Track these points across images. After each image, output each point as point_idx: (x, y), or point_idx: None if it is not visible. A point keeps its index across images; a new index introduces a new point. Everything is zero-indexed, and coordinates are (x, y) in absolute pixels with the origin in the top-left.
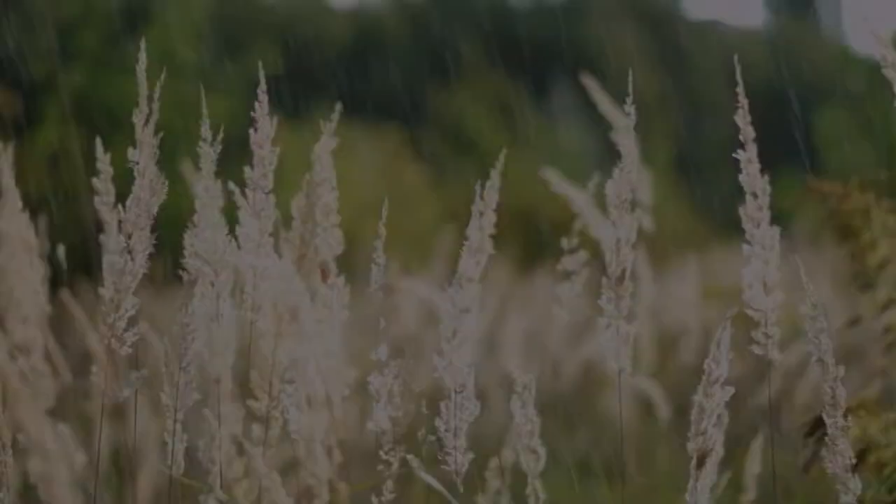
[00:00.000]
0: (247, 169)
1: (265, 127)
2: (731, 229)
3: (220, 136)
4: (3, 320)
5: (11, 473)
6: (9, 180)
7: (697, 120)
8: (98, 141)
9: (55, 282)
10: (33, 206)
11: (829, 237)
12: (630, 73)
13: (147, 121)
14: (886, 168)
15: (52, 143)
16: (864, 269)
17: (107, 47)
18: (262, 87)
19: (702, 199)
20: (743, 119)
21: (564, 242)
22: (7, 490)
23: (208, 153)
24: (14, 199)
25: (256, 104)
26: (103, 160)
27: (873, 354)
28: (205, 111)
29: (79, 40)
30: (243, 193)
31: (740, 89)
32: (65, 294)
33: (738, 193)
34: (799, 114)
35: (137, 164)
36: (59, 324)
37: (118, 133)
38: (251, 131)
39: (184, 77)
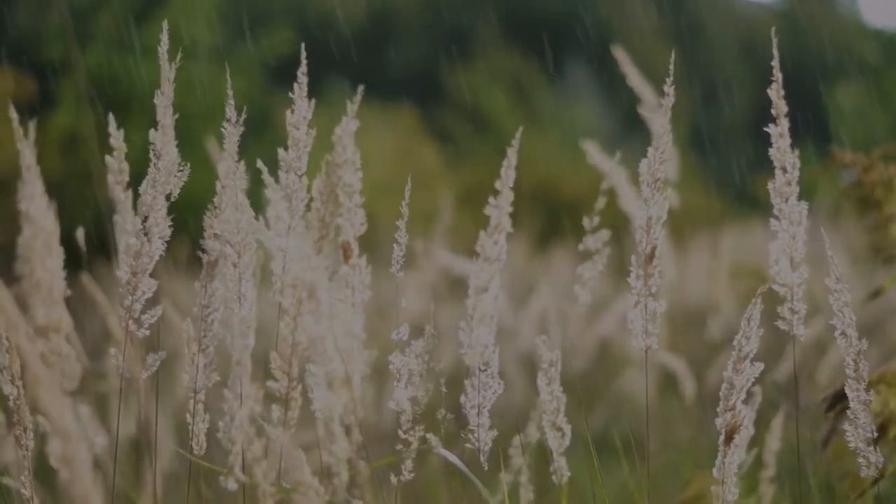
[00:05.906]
0: (280, 151)
1: (302, 108)
2: (745, 206)
3: (243, 116)
4: (24, 302)
5: (32, 456)
6: (30, 162)
7: (711, 95)
8: (111, 117)
9: (75, 264)
10: (50, 189)
11: (848, 211)
12: (672, 53)
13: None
14: None
15: (68, 126)
16: (885, 242)
17: (122, 29)
18: (303, 69)
19: (715, 176)
20: (776, 93)
21: (586, 222)
22: (28, 473)
23: (232, 133)
24: (35, 181)
25: (295, 85)
26: (116, 136)
27: (892, 329)
28: (230, 91)
29: (94, 23)
30: (271, 174)
31: (775, 62)
32: (85, 276)
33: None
34: (814, 87)
35: (153, 145)
36: (79, 306)
37: (133, 115)
38: (288, 112)
39: (199, 58)
